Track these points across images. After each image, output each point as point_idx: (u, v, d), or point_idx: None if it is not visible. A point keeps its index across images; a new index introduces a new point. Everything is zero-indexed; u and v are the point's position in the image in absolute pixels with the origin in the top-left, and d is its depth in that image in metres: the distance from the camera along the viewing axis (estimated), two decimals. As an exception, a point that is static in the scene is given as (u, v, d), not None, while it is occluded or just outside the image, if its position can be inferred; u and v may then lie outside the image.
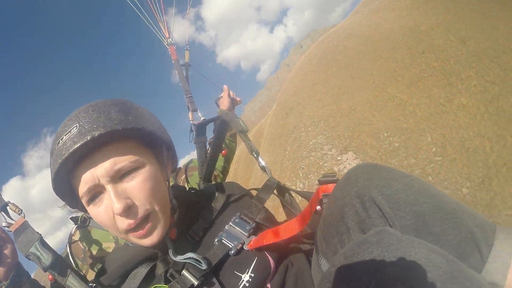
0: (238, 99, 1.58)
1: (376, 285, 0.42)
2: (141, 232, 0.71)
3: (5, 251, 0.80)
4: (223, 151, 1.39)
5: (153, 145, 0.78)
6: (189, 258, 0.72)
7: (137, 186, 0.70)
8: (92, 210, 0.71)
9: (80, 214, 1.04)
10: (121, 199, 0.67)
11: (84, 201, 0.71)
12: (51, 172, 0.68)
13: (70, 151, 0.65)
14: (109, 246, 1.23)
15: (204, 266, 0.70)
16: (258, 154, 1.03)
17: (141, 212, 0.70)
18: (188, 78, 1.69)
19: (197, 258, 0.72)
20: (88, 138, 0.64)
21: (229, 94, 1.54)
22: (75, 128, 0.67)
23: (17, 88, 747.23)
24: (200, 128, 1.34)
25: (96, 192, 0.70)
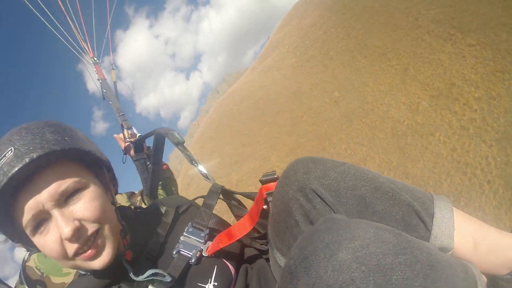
0: (125, 138, 1.52)
1: (333, 270, 0.42)
2: (90, 252, 0.68)
3: None
4: (164, 166, 1.39)
5: (93, 166, 0.76)
6: (152, 275, 0.71)
7: (83, 206, 0.68)
8: (38, 240, 0.67)
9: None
10: (69, 222, 0.65)
11: (28, 231, 0.67)
12: None
13: (9, 176, 0.61)
14: (69, 272, 1.18)
15: (168, 279, 0.70)
16: (198, 162, 1.04)
17: (89, 231, 0.68)
18: (117, 96, 1.67)
19: (160, 272, 0.71)
20: (27, 160, 0.62)
21: (122, 139, 1.53)
22: (10, 152, 0.64)
23: None
24: (138, 145, 1.35)
25: (41, 219, 0.66)
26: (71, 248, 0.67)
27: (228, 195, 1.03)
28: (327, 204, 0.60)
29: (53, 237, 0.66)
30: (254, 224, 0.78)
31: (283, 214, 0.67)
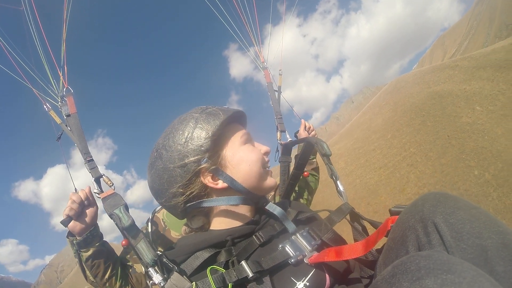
0: (313, 132, 1.64)
1: None
2: (270, 170, 0.91)
3: (87, 210, 1.00)
4: (305, 173, 1.42)
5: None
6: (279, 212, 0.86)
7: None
8: (248, 147, 0.89)
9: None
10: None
11: (242, 139, 0.89)
12: (214, 122, 0.83)
13: (234, 110, 0.87)
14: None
15: (264, 266, 0.75)
16: (337, 178, 1.05)
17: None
18: (279, 100, 1.74)
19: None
20: (240, 110, 0.89)
21: (305, 127, 1.62)
22: (219, 107, 0.88)
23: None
24: (286, 148, 1.41)
25: (249, 139, 0.91)
26: (265, 159, 0.90)
27: (355, 218, 1.00)
28: (444, 243, 0.55)
29: (257, 150, 0.90)
30: (368, 251, 0.74)
31: (398, 242, 0.64)
